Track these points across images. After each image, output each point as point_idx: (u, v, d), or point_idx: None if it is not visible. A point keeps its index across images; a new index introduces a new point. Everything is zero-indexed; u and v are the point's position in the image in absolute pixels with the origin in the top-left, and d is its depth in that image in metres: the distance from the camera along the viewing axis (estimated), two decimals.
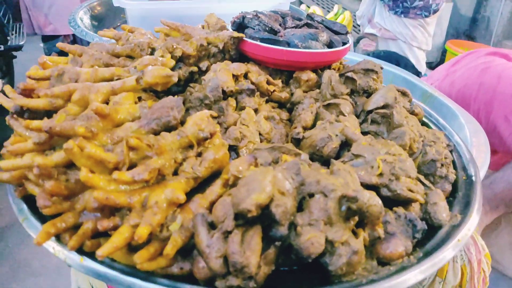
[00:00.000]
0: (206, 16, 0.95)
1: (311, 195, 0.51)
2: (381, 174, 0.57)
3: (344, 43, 0.88)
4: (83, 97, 0.60)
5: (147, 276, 0.47)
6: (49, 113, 0.62)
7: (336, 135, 0.67)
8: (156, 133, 0.57)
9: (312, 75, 0.85)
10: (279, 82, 0.83)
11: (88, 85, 0.61)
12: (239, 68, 0.78)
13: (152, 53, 0.77)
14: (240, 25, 0.88)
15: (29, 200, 0.55)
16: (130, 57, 0.77)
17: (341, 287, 0.48)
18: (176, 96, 0.63)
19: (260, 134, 0.71)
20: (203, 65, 0.83)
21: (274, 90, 0.81)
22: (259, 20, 0.86)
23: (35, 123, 0.54)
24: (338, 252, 0.48)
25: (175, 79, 0.65)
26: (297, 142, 0.71)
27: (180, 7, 1.15)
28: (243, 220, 0.47)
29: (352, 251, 0.49)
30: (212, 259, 0.46)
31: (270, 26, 0.85)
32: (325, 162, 0.66)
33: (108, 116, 0.55)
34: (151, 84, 0.63)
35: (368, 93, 0.84)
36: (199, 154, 0.57)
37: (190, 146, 0.57)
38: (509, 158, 1.18)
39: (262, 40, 0.83)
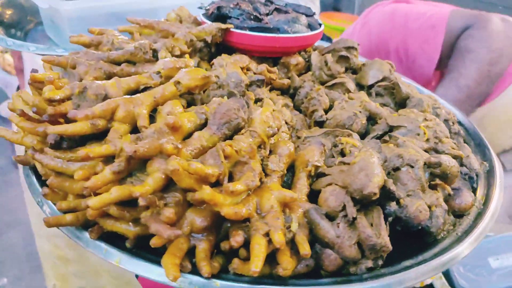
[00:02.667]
0: (176, 9, 0.89)
1: (396, 169, 0.54)
2: (427, 140, 0.63)
3: (319, 24, 0.92)
4: (129, 113, 0.53)
5: (282, 281, 0.46)
6: (83, 139, 0.54)
7: (360, 112, 0.71)
8: (227, 137, 0.54)
9: (301, 59, 0.87)
10: (275, 69, 0.83)
11: (129, 98, 0.55)
12: (243, 60, 0.76)
13: (154, 55, 0.70)
14: (219, 16, 0.86)
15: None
16: (129, 62, 0.69)
17: (440, 246, 0.53)
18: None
19: (285, 122, 0.71)
20: (194, 62, 0.79)
21: (274, 78, 0.81)
22: (242, 9, 0.84)
23: (100, 149, 0.47)
24: (435, 214, 0.53)
25: (214, 79, 0.61)
26: (320, 124, 0.73)
27: (120, 4, 1.05)
28: (359, 204, 0.49)
29: (444, 211, 0.54)
30: (346, 247, 0.47)
31: (254, 14, 0.84)
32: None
33: (180, 128, 0.50)
34: (190, 88, 0.59)
35: (353, 70, 0.89)
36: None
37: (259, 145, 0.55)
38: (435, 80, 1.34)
39: (251, 29, 0.82)
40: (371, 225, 0.48)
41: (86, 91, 0.56)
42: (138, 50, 0.68)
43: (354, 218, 0.47)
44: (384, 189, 0.48)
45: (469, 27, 1.12)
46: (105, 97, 0.56)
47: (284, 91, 0.84)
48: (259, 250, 0.43)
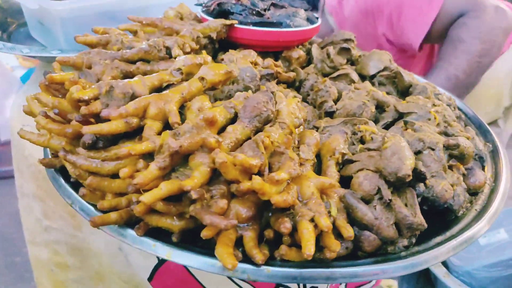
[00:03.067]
0: (176, 6, 0.89)
1: (418, 152, 0.57)
2: (438, 124, 0.66)
3: (316, 18, 0.94)
4: (160, 110, 0.54)
5: (326, 264, 0.48)
6: (115, 138, 0.54)
7: (368, 101, 0.74)
8: (258, 129, 0.55)
9: (302, 52, 0.89)
10: (280, 63, 0.85)
11: (158, 96, 0.55)
12: (251, 54, 0.78)
13: (168, 53, 0.70)
14: (221, 12, 0.86)
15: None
16: (143, 60, 0.69)
17: (463, 222, 0.57)
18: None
19: None
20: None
21: (280, 72, 0.83)
22: (244, 5, 0.85)
23: (140, 147, 0.48)
24: (456, 193, 0.56)
25: (235, 74, 0.62)
26: (330, 115, 0.75)
27: (112, 3, 1.03)
28: (392, 187, 0.51)
29: (464, 189, 0.58)
30: (385, 228, 0.49)
31: (257, 9, 0.85)
32: None
33: (216, 123, 0.51)
34: (214, 83, 0.60)
35: (351, 61, 0.92)
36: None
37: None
38: (422, 60, 1.36)
39: (255, 24, 0.83)
40: (405, 205, 0.50)
41: (113, 90, 0.55)
42: (152, 48, 0.68)
43: (390, 200, 0.50)
44: (415, 171, 0.51)
45: (463, 14, 1.14)
46: (132, 95, 0.56)
47: (289, 84, 0.86)
48: (309, 235, 0.44)
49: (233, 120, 0.56)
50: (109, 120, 0.51)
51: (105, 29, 0.78)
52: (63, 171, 0.58)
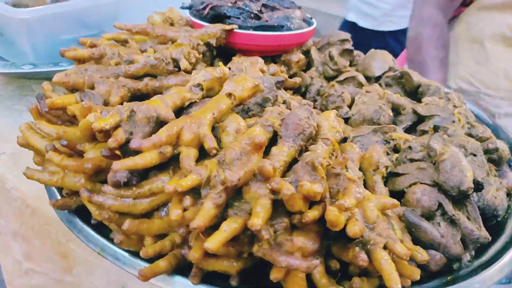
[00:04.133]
0: (167, 11, 0.82)
1: None
2: (462, 126, 0.65)
3: (310, 18, 0.90)
4: (195, 135, 0.47)
5: None
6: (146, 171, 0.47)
7: (384, 104, 0.72)
8: (302, 148, 0.51)
9: (302, 55, 0.85)
10: (284, 69, 0.80)
11: (189, 119, 0.48)
12: (258, 61, 0.72)
13: (176, 66, 0.63)
14: (215, 16, 0.80)
15: None
16: (149, 75, 0.62)
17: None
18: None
19: None
20: (200, 67, 0.74)
21: (286, 78, 0.78)
22: (242, 8, 0.79)
23: (186, 181, 0.41)
24: (500, 197, 0.55)
25: (262, 87, 0.57)
26: (345, 121, 0.72)
27: (82, 9, 0.92)
28: (452, 200, 0.49)
29: (505, 193, 0.57)
30: (452, 246, 0.47)
31: (255, 12, 0.80)
32: None
33: (264, 147, 0.46)
34: (243, 99, 0.54)
35: (350, 62, 0.90)
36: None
37: None
38: None
39: (256, 28, 0.78)
40: (468, 219, 0.48)
41: (135, 115, 0.48)
42: (160, 62, 0.61)
43: (453, 215, 0.47)
44: (473, 182, 0.49)
45: None
46: (157, 119, 0.49)
47: (294, 90, 0.82)
48: (389, 265, 0.41)
49: (272, 139, 0.51)
50: (137, 151, 0.44)
51: (93, 40, 0.69)
52: (78, 212, 0.50)
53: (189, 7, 0.86)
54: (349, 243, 0.44)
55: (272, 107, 0.55)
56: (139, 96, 0.59)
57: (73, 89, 0.58)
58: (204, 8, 0.81)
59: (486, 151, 0.56)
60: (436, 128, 0.62)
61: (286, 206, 0.42)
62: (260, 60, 0.73)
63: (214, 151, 0.47)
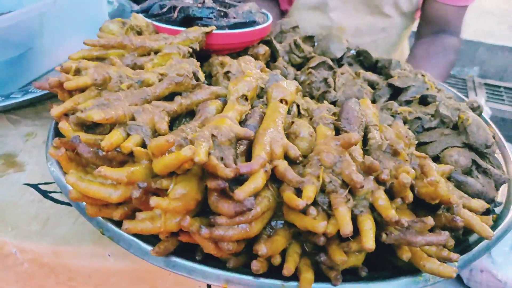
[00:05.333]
0: (131, 19, 0.75)
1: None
2: (438, 91, 0.77)
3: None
4: (284, 147, 0.48)
5: None
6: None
7: (361, 83, 0.80)
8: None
9: (266, 47, 0.87)
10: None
11: (271, 134, 0.49)
12: (251, 60, 0.73)
13: (197, 79, 0.60)
14: (185, 19, 0.77)
15: None
16: (174, 93, 0.58)
17: None
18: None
19: None
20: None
21: None
22: (212, 8, 0.78)
23: (307, 194, 0.43)
24: None
25: (300, 88, 0.59)
26: (333, 104, 0.78)
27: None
28: (479, 154, 0.60)
29: None
30: (490, 191, 0.57)
31: (224, 10, 0.79)
32: None
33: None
34: (292, 103, 0.56)
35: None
36: None
37: None
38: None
39: (231, 27, 0.78)
40: (492, 166, 0.60)
41: (217, 140, 0.47)
42: (185, 78, 0.58)
43: (486, 167, 0.58)
44: None
45: None
46: (237, 138, 0.48)
47: None
48: (475, 219, 0.49)
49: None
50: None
51: (77, 63, 0.61)
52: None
53: (145, 12, 0.80)
54: (432, 213, 0.51)
55: (323, 105, 0.58)
56: (175, 118, 0.56)
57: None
58: (168, 11, 0.77)
59: (472, 109, 0.69)
60: (424, 98, 0.72)
61: (395, 193, 0.47)
62: (249, 58, 0.74)
63: (300, 159, 0.49)
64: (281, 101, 0.55)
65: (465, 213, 0.50)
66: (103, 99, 0.54)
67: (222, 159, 0.46)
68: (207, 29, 0.74)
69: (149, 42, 0.70)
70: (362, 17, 1.30)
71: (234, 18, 0.80)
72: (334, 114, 0.58)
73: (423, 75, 0.79)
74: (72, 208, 0.65)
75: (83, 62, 0.61)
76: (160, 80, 0.60)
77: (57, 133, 0.64)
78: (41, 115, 0.84)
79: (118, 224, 0.49)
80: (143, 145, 0.50)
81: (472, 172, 0.58)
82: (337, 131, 0.55)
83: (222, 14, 0.79)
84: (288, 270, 0.43)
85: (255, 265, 0.43)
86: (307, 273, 0.43)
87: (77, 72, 0.61)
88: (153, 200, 0.41)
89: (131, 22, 0.75)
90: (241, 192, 0.41)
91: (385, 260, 0.49)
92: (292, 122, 0.54)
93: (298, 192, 0.45)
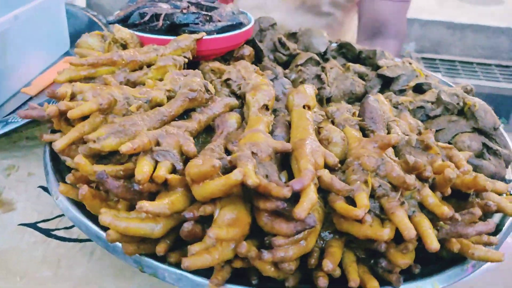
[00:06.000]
0: (114, 31, 0.69)
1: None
2: (425, 77, 0.79)
3: None
4: (322, 155, 0.47)
5: None
6: None
7: (352, 75, 0.81)
8: None
9: (250, 47, 0.85)
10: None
11: (310, 145, 0.47)
12: (247, 65, 0.71)
13: (208, 92, 0.57)
14: (171, 27, 0.73)
15: None
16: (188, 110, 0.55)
17: None
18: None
19: None
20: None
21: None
22: (197, 13, 0.74)
23: (362, 202, 0.42)
24: None
25: (316, 91, 0.58)
26: (328, 100, 0.78)
27: None
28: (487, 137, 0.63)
29: None
30: (502, 171, 0.60)
31: (209, 14, 0.76)
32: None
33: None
34: (314, 107, 0.55)
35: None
36: None
37: None
38: None
39: (219, 31, 0.75)
40: (500, 147, 0.63)
41: (258, 157, 0.45)
42: (199, 93, 0.55)
43: (496, 149, 0.61)
44: None
45: None
46: (275, 152, 0.46)
47: None
48: (505, 201, 0.51)
49: None
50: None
51: (71, 87, 0.56)
52: None
53: (122, 22, 0.75)
54: (463, 201, 0.52)
55: (342, 105, 0.58)
56: (195, 137, 0.53)
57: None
58: (151, 20, 0.72)
59: (466, 93, 0.71)
60: (419, 86, 0.74)
61: (437, 188, 0.47)
62: (246, 63, 0.72)
63: (339, 165, 0.48)
64: (306, 107, 0.53)
65: (494, 197, 0.52)
66: (117, 125, 0.49)
67: (267, 176, 0.44)
68: (197, 36, 0.70)
69: (139, 56, 0.65)
70: (302, 16, 1.27)
71: (219, 21, 0.77)
72: (353, 114, 0.57)
73: (410, 63, 0.81)
74: (82, 244, 0.60)
75: (77, 86, 0.56)
76: (168, 97, 0.57)
77: (56, 166, 0.59)
78: (19, 144, 0.76)
79: (154, 257, 0.46)
80: (173, 170, 0.47)
81: (484, 155, 0.60)
82: (362, 131, 0.55)
83: (207, 18, 0.75)
84: (354, 281, 0.42)
85: (323, 282, 0.41)
86: (373, 281, 0.43)
87: (73, 95, 0.56)
88: (213, 232, 0.39)
89: (115, 34, 0.69)
90: (301, 211, 0.40)
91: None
92: (319, 128, 0.53)
93: (347, 201, 0.44)
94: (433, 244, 0.41)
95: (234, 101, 0.57)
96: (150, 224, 0.43)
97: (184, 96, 0.53)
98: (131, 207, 0.48)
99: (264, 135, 0.48)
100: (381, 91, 0.80)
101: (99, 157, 0.51)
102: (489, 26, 3.42)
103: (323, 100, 0.77)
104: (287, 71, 0.83)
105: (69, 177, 0.49)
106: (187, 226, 0.41)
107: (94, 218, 0.50)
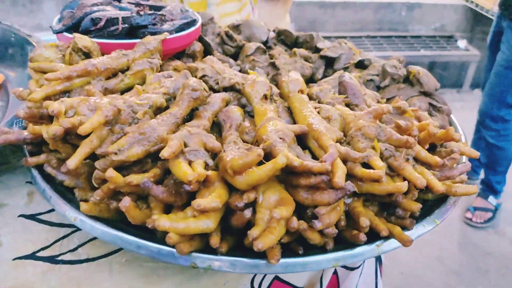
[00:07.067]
0: (76, 40, 0.66)
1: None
2: (360, 54, 0.90)
3: None
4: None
5: None
6: None
7: (300, 60, 0.88)
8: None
9: (200, 43, 0.87)
10: None
11: (326, 126, 0.53)
12: (216, 61, 0.73)
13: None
14: (131, 30, 0.72)
15: None
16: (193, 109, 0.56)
17: None
18: None
19: None
20: None
21: None
22: (154, 14, 0.74)
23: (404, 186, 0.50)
24: None
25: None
26: None
27: None
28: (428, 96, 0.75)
29: None
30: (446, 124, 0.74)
31: (163, 14, 0.76)
32: None
33: None
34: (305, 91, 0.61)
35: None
36: None
37: None
38: None
39: (178, 30, 0.76)
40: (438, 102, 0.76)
41: (285, 142, 0.49)
42: (201, 92, 0.56)
43: (440, 106, 0.74)
44: None
45: None
46: (295, 134, 0.52)
47: None
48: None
49: None
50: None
51: (58, 104, 0.54)
52: None
53: (71, 29, 0.72)
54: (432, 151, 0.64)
55: (319, 86, 0.64)
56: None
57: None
58: (108, 24, 0.70)
59: (399, 62, 0.84)
60: (361, 62, 0.85)
61: (421, 142, 0.57)
62: (215, 59, 0.74)
63: (344, 138, 0.56)
64: (301, 91, 0.59)
65: (455, 145, 0.64)
66: (137, 134, 0.49)
67: (297, 157, 0.49)
68: (161, 37, 0.71)
69: (113, 63, 0.64)
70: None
71: (173, 20, 0.78)
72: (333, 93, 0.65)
73: (345, 43, 0.91)
74: (96, 262, 0.58)
75: (67, 101, 0.54)
76: (166, 100, 0.58)
77: (52, 185, 0.56)
78: None
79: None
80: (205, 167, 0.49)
81: (432, 112, 0.73)
82: (347, 106, 0.62)
83: (162, 18, 0.75)
84: (385, 230, 0.50)
85: (363, 236, 0.48)
86: (397, 228, 0.51)
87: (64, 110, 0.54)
88: (277, 213, 0.43)
89: (77, 44, 0.66)
90: (339, 180, 0.46)
91: None
92: (314, 108, 0.59)
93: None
94: (439, 186, 0.50)
95: (227, 95, 0.60)
96: (205, 221, 0.45)
97: (189, 96, 0.55)
98: (165, 210, 0.49)
99: (280, 121, 0.52)
100: (325, 70, 0.89)
101: (120, 168, 0.50)
102: (355, 2, 3.82)
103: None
104: (238, 62, 0.88)
105: (98, 194, 0.48)
106: (247, 213, 0.44)
107: (120, 229, 0.50)
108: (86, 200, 0.54)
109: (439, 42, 3.72)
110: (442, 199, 0.60)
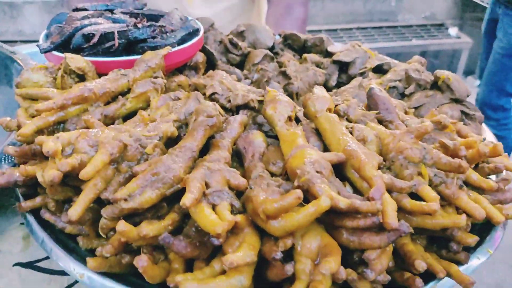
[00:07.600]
0: (68, 61, 0.58)
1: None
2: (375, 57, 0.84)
3: None
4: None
5: None
6: None
7: (311, 66, 0.81)
8: None
9: (203, 53, 0.79)
10: None
11: (363, 151, 0.46)
12: (225, 75, 0.66)
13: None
14: (129, 45, 0.64)
15: None
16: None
17: None
18: None
19: None
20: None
21: None
22: (152, 25, 0.66)
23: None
24: None
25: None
26: (297, 95, 0.78)
27: None
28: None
29: None
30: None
31: (163, 25, 0.68)
32: None
33: None
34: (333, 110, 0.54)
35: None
36: None
37: None
38: None
39: (180, 42, 0.68)
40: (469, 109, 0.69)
41: (323, 176, 0.42)
42: (218, 118, 0.49)
43: (473, 114, 0.67)
44: None
45: None
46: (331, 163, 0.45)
47: None
48: None
49: None
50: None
51: (54, 141, 0.46)
52: None
53: (61, 47, 0.64)
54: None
55: (344, 101, 0.57)
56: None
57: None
58: (102, 41, 0.62)
59: (421, 65, 0.77)
60: (380, 66, 0.78)
61: (470, 162, 0.51)
62: (224, 73, 0.67)
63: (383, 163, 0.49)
64: (329, 110, 0.52)
65: (498, 159, 0.57)
66: (149, 175, 0.42)
67: (339, 193, 0.42)
68: (163, 52, 0.63)
69: (112, 86, 0.56)
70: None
71: (173, 30, 0.70)
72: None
73: (359, 45, 0.84)
74: None
75: (63, 137, 0.46)
76: (177, 128, 0.50)
77: (51, 231, 0.49)
78: None
79: None
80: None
81: (464, 121, 0.67)
82: (379, 123, 0.56)
83: (162, 29, 0.68)
84: (442, 272, 0.43)
85: (420, 282, 0.42)
86: (453, 266, 0.44)
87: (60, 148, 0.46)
88: (326, 269, 0.36)
89: (69, 65, 0.58)
90: (392, 221, 0.39)
91: None
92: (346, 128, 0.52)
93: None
94: (499, 217, 0.44)
95: (245, 118, 0.53)
96: (238, 277, 0.38)
97: (204, 124, 0.48)
98: (186, 264, 0.42)
99: (313, 150, 0.45)
100: (339, 76, 0.82)
101: (129, 216, 0.43)
102: None
103: (292, 96, 0.76)
104: (245, 72, 0.81)
105: (108, 250, 0.41)
106: (289, 269, 0.37)
107: (134, 285, 0.43)
108: (92, 250, 0.46)
109: (430, 30, 3.67)
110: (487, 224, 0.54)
